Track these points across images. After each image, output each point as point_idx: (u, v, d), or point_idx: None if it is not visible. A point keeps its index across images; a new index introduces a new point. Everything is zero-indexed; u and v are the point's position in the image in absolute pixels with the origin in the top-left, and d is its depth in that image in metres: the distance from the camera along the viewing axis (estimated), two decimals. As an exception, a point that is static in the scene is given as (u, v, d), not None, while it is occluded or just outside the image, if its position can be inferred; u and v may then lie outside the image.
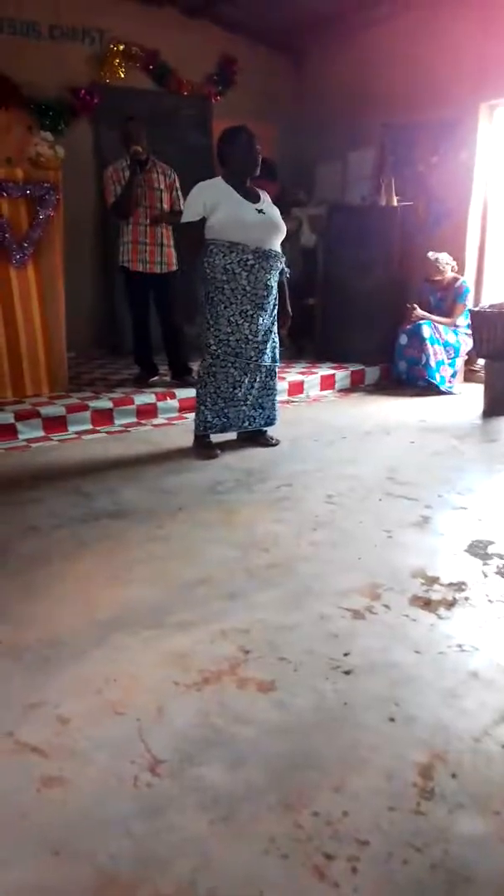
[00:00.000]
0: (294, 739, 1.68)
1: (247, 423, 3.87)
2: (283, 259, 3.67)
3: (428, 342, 5.14)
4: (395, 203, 5.64)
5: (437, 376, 5.21)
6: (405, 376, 5.36)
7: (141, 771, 1.57)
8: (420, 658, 1.99)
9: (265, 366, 3.78)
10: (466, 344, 5.27)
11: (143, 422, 4.48)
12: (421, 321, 5.20)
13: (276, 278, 3.66)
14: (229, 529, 2.88)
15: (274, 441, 3.99)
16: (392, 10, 5.58)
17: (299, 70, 6.77)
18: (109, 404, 4.43)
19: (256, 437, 3.98)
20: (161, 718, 1.74)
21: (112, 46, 5.77)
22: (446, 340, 5.22)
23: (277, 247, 3.61)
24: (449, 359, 5.27)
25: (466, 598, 2.31)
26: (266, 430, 4.00)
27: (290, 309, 3.87)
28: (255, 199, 3.57)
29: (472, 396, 5.08)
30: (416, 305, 5.28)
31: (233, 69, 6.38)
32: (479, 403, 4.77)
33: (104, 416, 4.38)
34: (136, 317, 4.92)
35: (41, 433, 4.15)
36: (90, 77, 5.74)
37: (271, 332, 3.74)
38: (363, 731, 1.70)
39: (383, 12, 5.65)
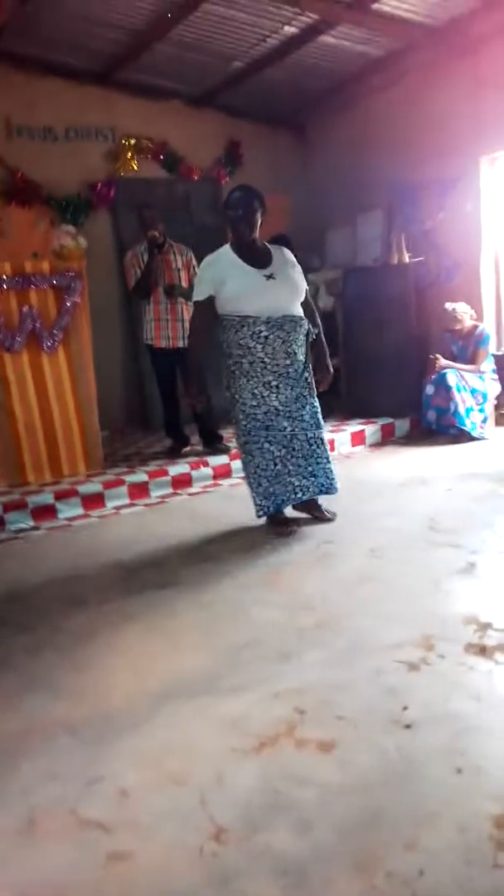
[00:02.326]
0: (360, 798, 1.63)
1: (300, 494, 3.49)
2: (305, 322, 3.43)
3: (454, 390, 5.15)
4: (407, 260, 5.78)
5: (468, 423, 5.20)
6: (435, 426, 5.36)
7: (206, 840, 1.53)
8: (481, 706, 1.93)
9: (307, 434, 3.46)
10: (494, 389, 5.28)
11: (178, 492, 4.53)
12: (445, 370, 5.24)
13: (301, 342, 3.42)
14: (274, 591, 2.87)
15: (330, 514, 3.64)
16: (387, 80, 5.84)
17: (303, 142, 7.06)
18: (145, 477, 4.50)
19: (311, 510, 3.65)
20: (222, 786, 1.71)
21: (124, 141, 6.11)
22: (473, 387, 5.23)
23: (295, 310, 3.37)
24: (478, 405, 5.26)
25: (522, 642, 2.26)
26: (319, 503, 3.65)
27: (329, 365, 3.64)
28: (266, 261, 3.34)
29: (504, 440, 5.05)
30: (438, 356, 5.32)
31: (239, 151, 6.69)
32: (512, 446, 4.75)
33: (141, 490, 4.44)
34: (164, 391, 5.05)
35: (80, 511, 4.22)
36: (106, 171, 6.08)
37: (305, 398, 3.46)
38: (431, 784, 1.65)
39: (379, 83, 5.91)
